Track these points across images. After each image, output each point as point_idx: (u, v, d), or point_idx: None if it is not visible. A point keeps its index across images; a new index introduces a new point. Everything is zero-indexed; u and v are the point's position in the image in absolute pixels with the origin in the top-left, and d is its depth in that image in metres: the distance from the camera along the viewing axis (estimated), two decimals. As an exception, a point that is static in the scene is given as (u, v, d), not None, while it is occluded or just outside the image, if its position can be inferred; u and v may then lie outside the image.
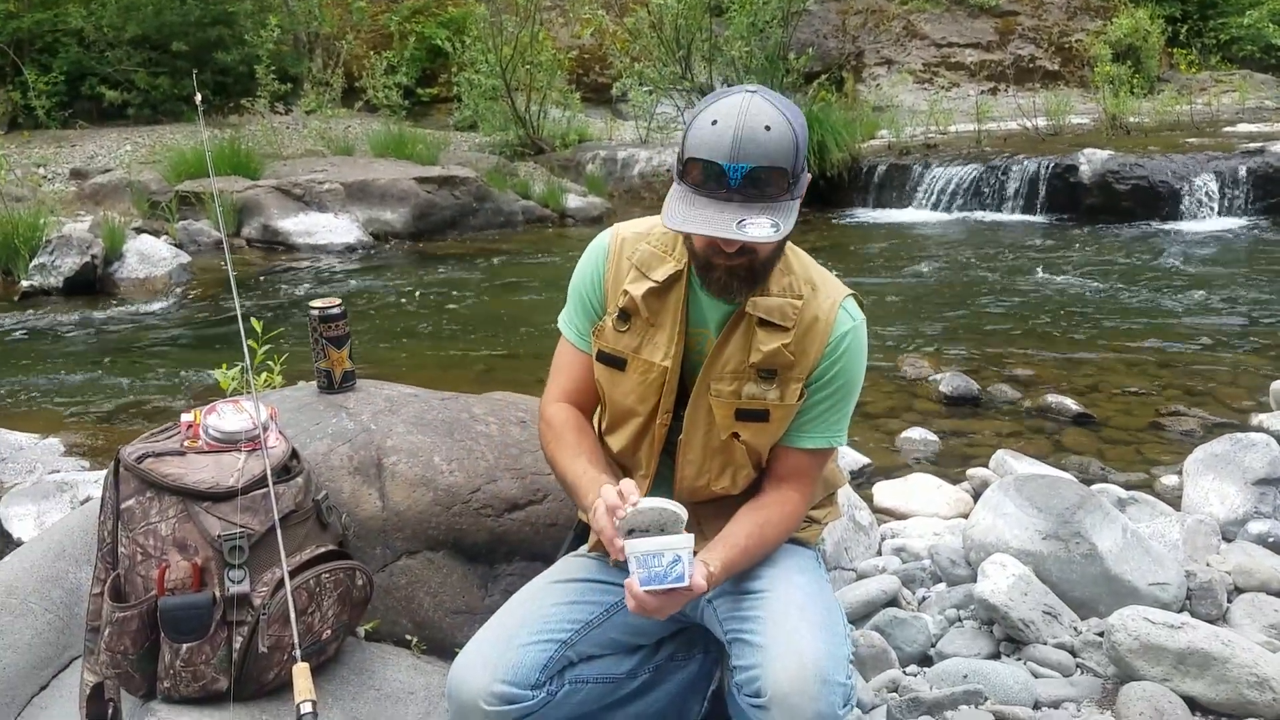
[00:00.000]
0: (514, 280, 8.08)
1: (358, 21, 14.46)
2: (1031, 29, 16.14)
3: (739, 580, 1.79)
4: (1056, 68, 15.89)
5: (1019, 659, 2.48)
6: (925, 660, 2.55)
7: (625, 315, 1.83)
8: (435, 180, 10.13)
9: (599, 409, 1.96)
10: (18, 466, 4.13)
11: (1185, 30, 16.18)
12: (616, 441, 1.90)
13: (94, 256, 7.64)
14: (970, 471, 3.80)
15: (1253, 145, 9.76)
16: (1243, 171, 9.36)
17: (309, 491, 1.93)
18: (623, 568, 1.65)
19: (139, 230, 8.60)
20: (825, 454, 1.90)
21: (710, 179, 1.60)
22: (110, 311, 7.18)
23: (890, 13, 16.11)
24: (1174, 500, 3.39)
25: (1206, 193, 9.36)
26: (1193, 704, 2.27)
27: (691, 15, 12.18)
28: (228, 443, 1.90)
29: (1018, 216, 10.00)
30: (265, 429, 1.92)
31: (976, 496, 3.36)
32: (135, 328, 6.85)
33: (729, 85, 8.94)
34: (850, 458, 3.92)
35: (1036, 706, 2.32)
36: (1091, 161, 9.84)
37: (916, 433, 4.34)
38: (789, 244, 1.79)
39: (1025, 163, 10.20)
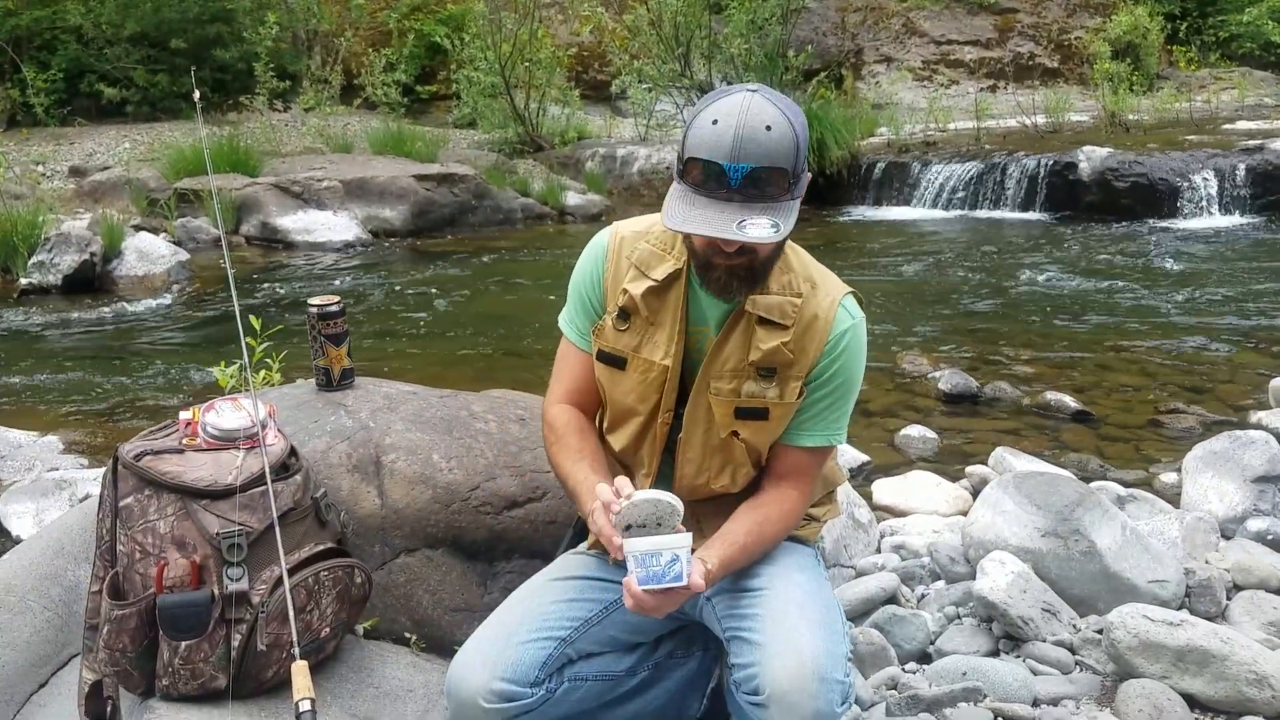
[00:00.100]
0: (513, 278, 8.07)
1: (356, 19, 14.46)
2: (1031, 26, 16.13)
3: (738, 578, 1.79)
4: (1056, 65, 15.88)
5: (1018, 656, 2.48)
6: (924, 658, 2.55)
7: (625, 314, 1.83)
8: (434, 178, 10.12)
9: (601, 409, 1.96)
10: (16, 464, 4.13)
11: (1184, 27, 16.17)
12: (618, 441, 1.90)
13: (93, 254, 7.64)
14: (969, 469, 3.80)
15: (1252, 143, 9.74)
16: (1242, 169, 9.35)
17: (308, 489, 1.93)
18: (622, 566, 1.65)
19: (138, 228, 8.61)
20: (825, 452, 1.90)
21: (710, 179, 1.59)
22: (109, 309, 7.18)
23: (889, 10, 16.10)
24: (1173, 498, 3.39)
25: (1206, 190, 9.35)
26: (1192, 701, 2.27)
27: (691, 12, 12.17)
28: (226, 440, 1.90)
29: (1017, 214, 10.00)
30: (264, 427, 1.92)
31: (976, 494, 3.36)
32: (134, 325, 6.84)
33: (728, 83, 8.99)
34: (849, 455, 3.92)
35: (1035, 704, 2.32)
36: (1091, 159, 9.83)
37: (916, 430, 4.34)
38: (789, 242, 1.79)
39: (1024, 160, 10.19)
